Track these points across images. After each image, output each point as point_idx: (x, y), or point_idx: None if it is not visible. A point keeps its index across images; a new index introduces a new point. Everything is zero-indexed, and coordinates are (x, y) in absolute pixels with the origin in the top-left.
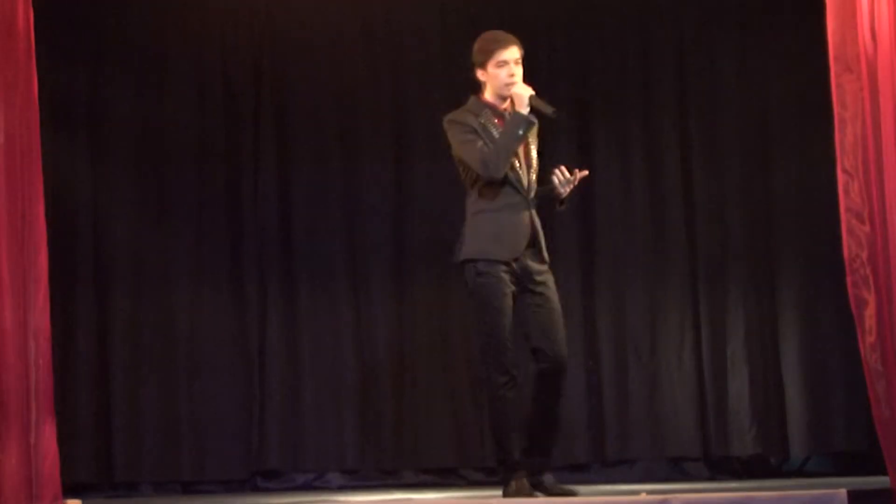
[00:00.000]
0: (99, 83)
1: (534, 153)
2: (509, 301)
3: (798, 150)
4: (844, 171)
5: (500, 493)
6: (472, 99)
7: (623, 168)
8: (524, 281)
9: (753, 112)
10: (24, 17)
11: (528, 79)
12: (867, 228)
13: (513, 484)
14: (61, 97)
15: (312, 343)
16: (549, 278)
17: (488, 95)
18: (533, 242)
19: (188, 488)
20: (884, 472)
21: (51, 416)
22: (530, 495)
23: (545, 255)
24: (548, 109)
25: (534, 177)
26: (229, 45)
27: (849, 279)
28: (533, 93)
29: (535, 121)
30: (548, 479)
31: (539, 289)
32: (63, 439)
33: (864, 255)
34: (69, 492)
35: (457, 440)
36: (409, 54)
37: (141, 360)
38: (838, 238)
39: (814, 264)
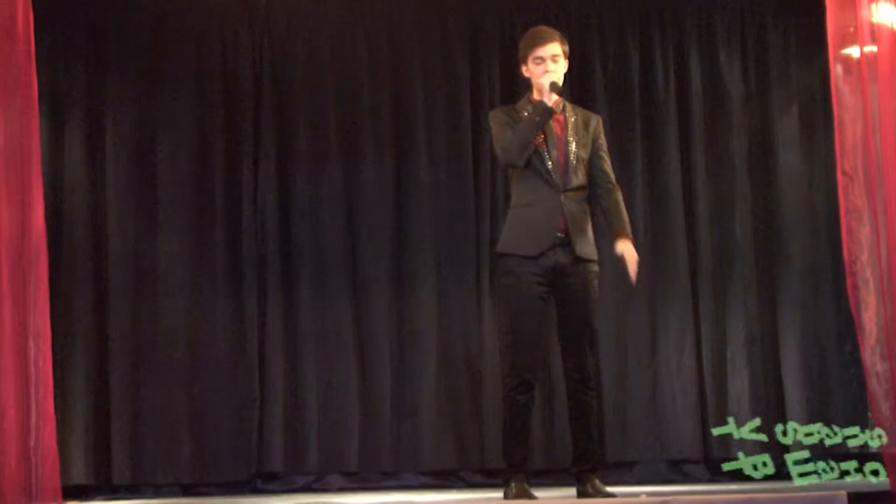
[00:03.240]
0: (99, 83)
1: (572, 148)
2: (535, 304)
3: (798, 151)
4: (844, 172)
5: (497, 495)
6: (524, 96)
7: (623, 168)
8: (555, 279)
9: (754, 112)
10: (23, 18)
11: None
12: (867, 230)
13: (513, 486)
14: (61, 97)
15: (312, 344)
16: (583, 278)
17: (534, 91)
18: (565, 239)
19: (188, 490)
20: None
21: (50, 418)
22: (530, 498)
23: (579, 251)
24: (558, 89)
25: (574, 173)
26: (229, 45)
27: (849, 281)
28: (555, 80)
29: (552, 108)
30: (592, 486)
31: (566, 288)
32: (63, 441)
33: (864, 256)
34: (69, 494)
35: (457, 442)
36: (410, 54)
37: (140, 362)
38: (838, 239)
39: (814, 265)
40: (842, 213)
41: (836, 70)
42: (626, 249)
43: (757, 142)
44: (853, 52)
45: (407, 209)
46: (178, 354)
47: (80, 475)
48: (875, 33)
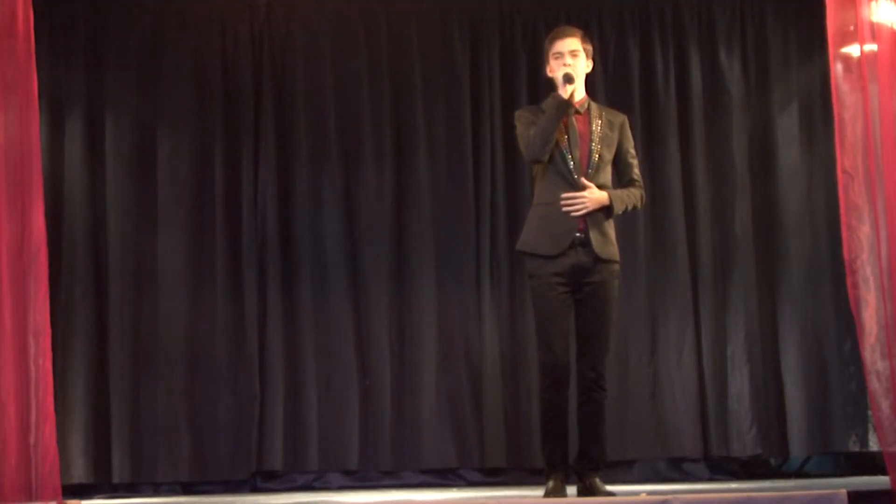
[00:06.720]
0: (99, 83)
1: (595, 147)
2: (557, 304)
3: (798, 150)
4: (844, 171)
5: (497, 493)
6: (550, 95)
7: None
8: (575, 279)
9: (754, 111)
10: (23, 17)
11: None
12: (867, 228)
13: (549, 483)
14: (61, 96)
15: (312, 343)
16: (602, 278)
17: (559, 88)
18: (585, 239)
19: (188, 489)
20: (883, 473)
21: (50, 417)
22: (561, 496)
23: (599, 251)
24: (571, 80)
25: (596, 173)
26: (229, 45)
27: (849, 279)
28: (568, 72)
29: (568, 101)
30: (592, 484)
31: (585, 289)
32: (63, 439)
33: (864, 255)
34: (69, 492)
35: (457, 440)
36: (410, 54)
37: (140, 361)
38: (838, 238)
39: (814, 263)
40: (842, 211)
41: (837, 68)
42: (590, 191)
43: (757, 141)
44: (853, 50)
45: (407, 209)
46: (178, 353)
47: (79, 473)
48: (875, 32)
